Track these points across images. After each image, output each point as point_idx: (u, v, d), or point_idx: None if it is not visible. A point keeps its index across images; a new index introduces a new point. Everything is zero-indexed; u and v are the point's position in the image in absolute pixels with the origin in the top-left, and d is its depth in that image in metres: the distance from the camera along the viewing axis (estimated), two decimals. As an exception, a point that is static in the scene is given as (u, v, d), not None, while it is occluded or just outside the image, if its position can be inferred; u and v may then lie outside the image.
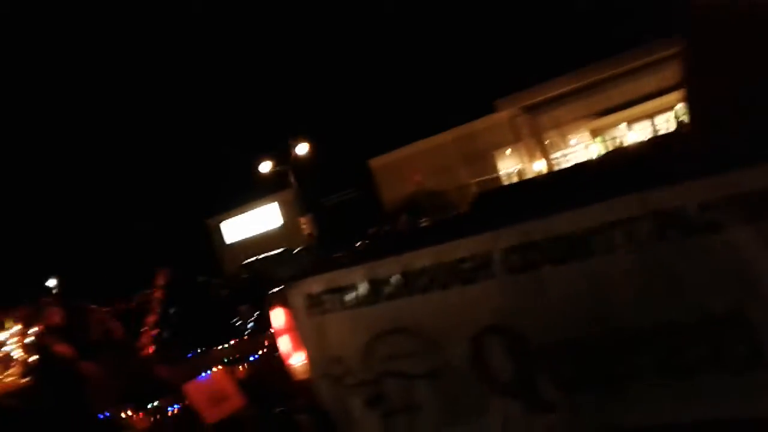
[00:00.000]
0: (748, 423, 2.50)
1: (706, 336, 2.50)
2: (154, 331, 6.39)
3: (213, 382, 5.60)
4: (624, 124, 29.30)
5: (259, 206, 32.35)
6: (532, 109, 29.72)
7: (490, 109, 29.66)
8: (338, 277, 3.48)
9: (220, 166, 31.54)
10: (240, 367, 5.85)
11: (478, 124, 30.14)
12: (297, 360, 3.76)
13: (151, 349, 6.24)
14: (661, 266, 2.55)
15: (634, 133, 28.43)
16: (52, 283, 16.81)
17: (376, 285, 3.29)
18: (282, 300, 3.76)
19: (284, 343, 3.83)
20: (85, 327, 5.91)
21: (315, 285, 3.57)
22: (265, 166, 27.53)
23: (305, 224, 26.59)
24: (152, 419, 5.39)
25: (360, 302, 3.37)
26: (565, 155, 29.17)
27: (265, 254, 24.61)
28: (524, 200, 3.57)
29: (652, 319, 2.58)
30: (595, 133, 29.82)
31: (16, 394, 6.50)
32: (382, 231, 22.08)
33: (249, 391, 5.44)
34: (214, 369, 5.72)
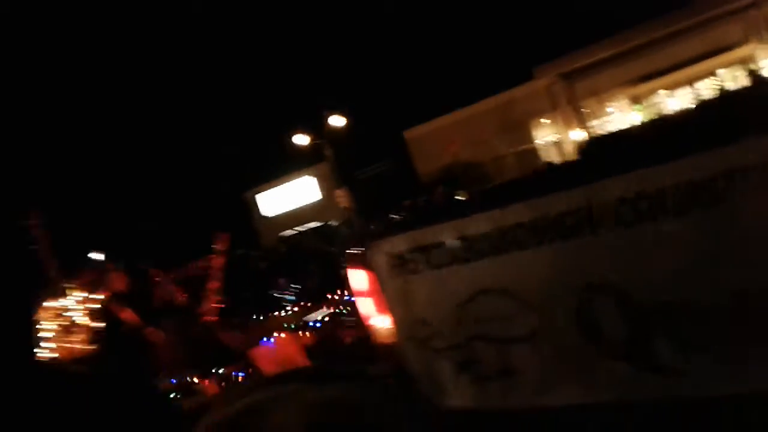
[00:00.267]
0: None
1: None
2: (217, 298, 6.38)
3: (279, 348, 5.56)
4: (663, 91, 28.52)
5: (295, 179, 32.36)
6: (570, 76, 29.04)
7: (527, 78, 29.05)
8: (425, 234, 3.33)
9: (256, 140, 31.58)
10: (304, 333, 5.82)
11: (515, 92, 29.58)
12: (379, 323, 3.65)
13: (214, 316, 6.23)
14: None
15: (674, 100, 27.65)
16: (98, 257, 17.00)
17: (467, 242, 3.14)
18: (362, 261, 3.64)
19: (365, 306, 3.71)
20: (148, 293, 5.93)
21: (399, 243, 3.42)
22: (300, 139, 27.44)
23: (342, 197, 26.53)
24: (221, 385, 5.39)
25: (449, 261, 3.22)
26: (603, 123, 28.52)
27: (303, 227, 24.64)
28: (633, 149, 3.37)
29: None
30: (634, 101, 29.06)
31: (82, 360, 6.58)
32: (418, 203, 21.95)
33: (314, 357, 5.40)
34: (279, 335, 5.68)
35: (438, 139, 29.50)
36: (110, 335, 5.87)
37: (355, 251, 3.75)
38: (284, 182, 32.58)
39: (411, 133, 31.01)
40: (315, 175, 31.68)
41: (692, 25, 25.19)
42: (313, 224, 25.98)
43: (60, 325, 7.24)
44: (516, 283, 3.01)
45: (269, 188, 32.86)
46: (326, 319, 5.73)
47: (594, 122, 29.01)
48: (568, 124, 29.56)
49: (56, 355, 6.92)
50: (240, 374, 5.42)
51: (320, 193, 31.87)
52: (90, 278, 7.25)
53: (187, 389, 5.24)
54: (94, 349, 6.39)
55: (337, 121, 27.09)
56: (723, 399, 2.57)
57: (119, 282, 6.02)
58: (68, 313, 7.18)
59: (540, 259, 2.89)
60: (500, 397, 3.19)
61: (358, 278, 3.71)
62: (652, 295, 2.66)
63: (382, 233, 3.62)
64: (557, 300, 2.88)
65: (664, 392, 2.72)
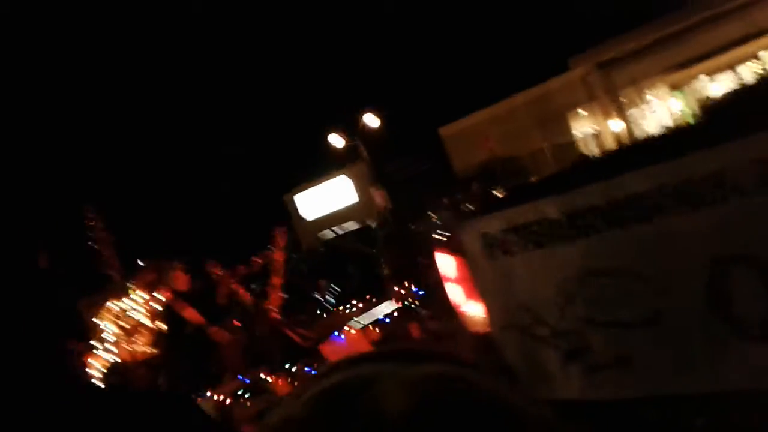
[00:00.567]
0: None
1: None
2: (282, 294, 6.21)
3: (349, 344, 5.37)
4: (704, 76, 27.77)
5: (332, 180, 32.35)
6: (606, 66, 28.46)
7: (562, 69, 28.58)
8: (523, 212, 3.09)
9: (292, 141, 31.66)
10: (373, 327, 5.62)
11: (550, 84, 29.12)
12: (471, 310, 3.43)
13: (278, 313, 6.06)
14: None
15: (716, 85, 26.91)
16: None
17: (574, 219, 2.89)
18: (450, 246, 3.43)
19: (454, 293, 3.50)
20: (210, 291, 5.79)
21: (493, 223, 3.19)
22: (336, 140, 27.36)
23: (378, 198, 26.39)
24: (293, 383, 5.22)
25: (553, 240, 2.98)
26: (642, 112, 27.91)
27: (342, 228, 24.50)
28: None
29: None
30: (674, 87, 28.37)
31: (147, 363, 6.45)
32: (455, 200, 21.71)
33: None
34: (349, 330, 5.49)
35: (473, 135, 29.15)
36: (175, 336, 5.74)
37: (442, 236, 3.54)
38: (321, 183, 32.60)
39: (446, 130, 30.73)
40: (351, 176, 31.60)
41: (733, 8, 24.48)
42: (350, 223, 25.85)
43: (122, 328, 7.13)
44: (633, 261, 2.76)
45: (306, 189, 32.94)
46: (395, 314, 5.53)
47: (633, 111, 28.41)
48: (606, 115, 29.00)
49: (118, 359, 6.82)
50: (311, 370, 5.25)
51: (356, 194, 31.78)
52: (151, 278, 7.12)
53: (257, 387, 5.09)
54: (158, 351, 6.27)
55: (371, 120, 26.97)
56: None
57: (181, 281, 5.89)
58: (130, 314, 7.07)
59: (663, 233, 2.64)
60: (614, 387, 2.94)
61: (446, 264, 3.50)
62: None
63: (474, 214, 3.40)
64: (684, 276, 2.62)
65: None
